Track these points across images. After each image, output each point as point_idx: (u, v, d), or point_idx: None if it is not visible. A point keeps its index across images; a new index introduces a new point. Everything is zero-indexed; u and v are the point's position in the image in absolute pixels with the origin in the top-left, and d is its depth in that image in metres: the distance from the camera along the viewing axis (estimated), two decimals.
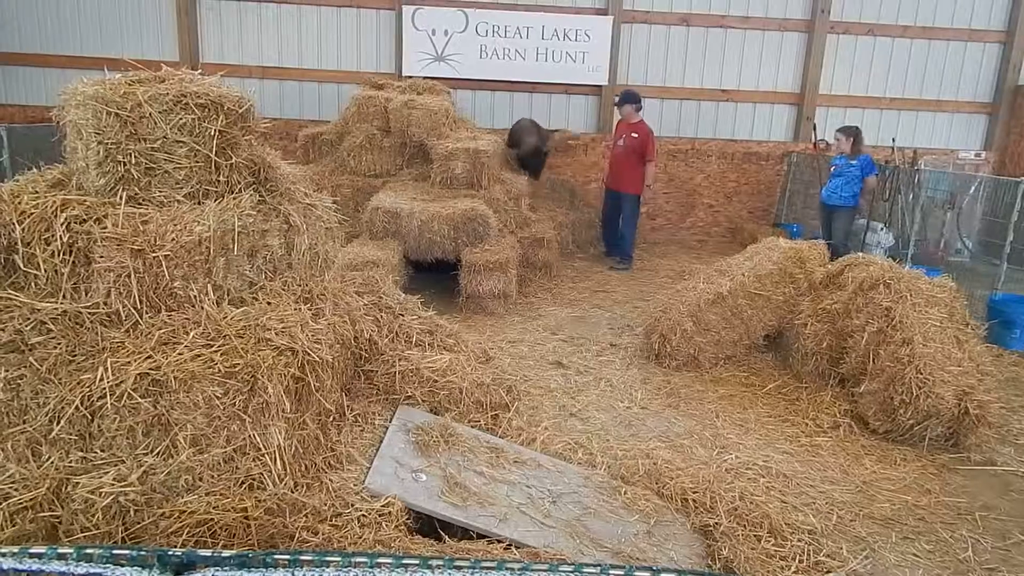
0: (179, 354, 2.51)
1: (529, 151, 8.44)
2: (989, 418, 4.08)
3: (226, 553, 1.41)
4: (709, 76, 10.32)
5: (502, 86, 10.16)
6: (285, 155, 3.67)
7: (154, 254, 2.63)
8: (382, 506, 2.66)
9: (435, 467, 3.04)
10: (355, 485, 2.78)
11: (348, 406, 3.33)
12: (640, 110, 8.22)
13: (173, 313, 2.70)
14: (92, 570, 1.31)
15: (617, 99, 8.42)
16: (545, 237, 7.48)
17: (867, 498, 3.59)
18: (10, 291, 2.58)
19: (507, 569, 1.48)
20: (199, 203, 2.85)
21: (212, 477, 2.47)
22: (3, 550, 1.36)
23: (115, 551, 1.37)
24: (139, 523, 2.36)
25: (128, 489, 2.35)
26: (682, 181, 10.52)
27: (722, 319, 5.23)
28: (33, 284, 2.61)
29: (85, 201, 2.71)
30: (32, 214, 2.62)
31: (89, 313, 2.61)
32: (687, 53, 10.23)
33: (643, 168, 8.09)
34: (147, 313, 2.67)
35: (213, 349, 2.57)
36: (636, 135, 8.08)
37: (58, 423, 2.44)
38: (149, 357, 2.50)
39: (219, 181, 2.93)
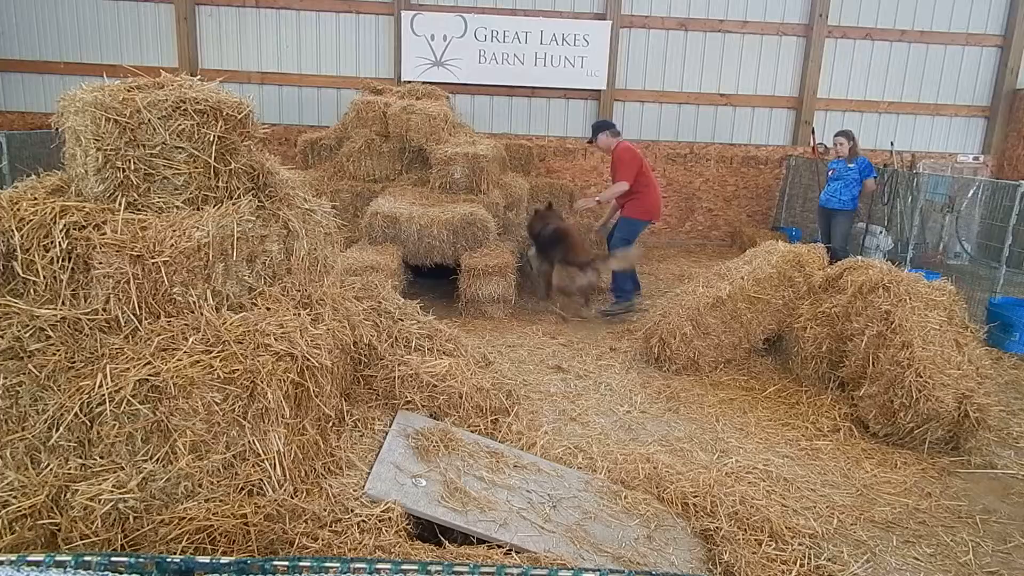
0: (178, 360, 2.51)
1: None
2: (989, 421, 4.08)
3: (225, 560, 1.41)
4: (708, 80, 10.35)
5: (501, 91, 10.19)
6: (284, 160, 3.68)
7: (153, 260, 2.63)
8: (382, 511, 2.66)
9: (435, 472, 3.04)
10: (355, 490, 2.77)
11: (347, 411, 3.32)
12: (617, 134, 6.95)
13: (172, 319, 2.70)
14: None
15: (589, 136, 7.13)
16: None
17: (868, 501, 3.58)
18: (9, 298, 2.58)
19: (506, 574, 1.47)
20: (198, 209, 2.85)
21: (211, 483, 2.46)
22: (1, 557, 1.35)
23: (113, 558, 1.36)
24: (138, 530, 2.35)
25: (127, 496, 2.35)
26: (681, 185, 10.54)
27: (721, 323, 5.23)
28: (32, 291, 2.61)
29: (84, 207, 2.71)
30: (31, 220, 2.62)
31: (88, 319, 2.61)
32: (685, 57, 10.26)
33: (633, 194, 6.66)
34: (146, 319, 2.67)
35: (212, 355, 2.57)
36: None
37: (57, 430, 2.44)
38: (148, 363, 2.50)
39: (218, 187, 2.93)
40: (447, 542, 2.67)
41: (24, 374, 2.49)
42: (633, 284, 7.36)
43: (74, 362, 2.56)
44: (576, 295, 6.55)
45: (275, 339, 2.74)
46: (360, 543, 2.49)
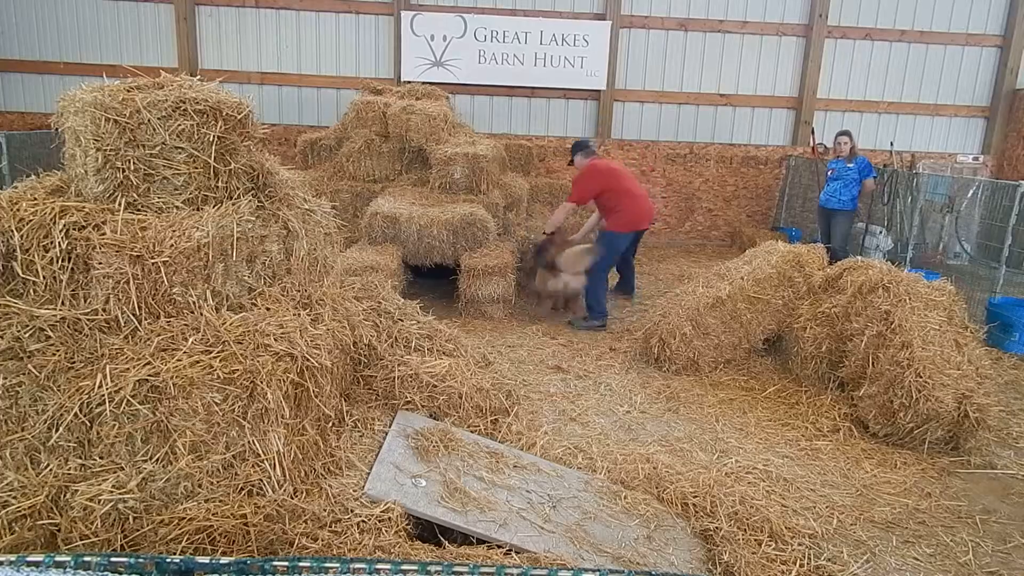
0: (178, 360, 2.51)
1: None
2: (989, 421, 4.07)
3: (224, 560, 1.41)
4: (707, 80, 10.35)
5: (501, 91, 10.19)
6: (284, 161, 3.68)
7: (153, 260, 2.63)
8: (382, 512, 2.66)
9: (435, 472, 3.04)
10: (355, 491, 2.77)
11: (347, 411, 3.32)
12: (591, 154, 6.63)
13: (172, 319, 2.70)
14: None
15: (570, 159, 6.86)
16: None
17: (867, 502, 3.58)
18: (8, 298, 2.58)
19: (506, 574, 1.47)
20: (198, 209, 2.85)
21: (211, 483, 2.46)
22: (1, 558, 1.35)
23: (113, 558, 1.36)
24: (138, 530, 2.35)
25: (127, 496, 2.35)
26: (680, 185, 10.54)
27: (721, 323, 5.23)
28: (32, 291, 2.61)
29: (84, 207, 2.71)
30: (31, 221, 2.62)
31: (88, 320, 2.61)
32: (685, 58, 10.27)
33: (613, 210, 6.36)
34: (146, 319, 2.67)
35: (212, 355, 2.57)
36: None
37: (57, 430, 2.44)
38: (148, 363, 2.50)
39: (218, 187, 2.93)
40: (447, 542, 2.67)
41: (24, 374, 2.49)
42: (627, 287, 7.35)
43: (74, 362, 2.56)
44: (553, 295, 6.46)
45: (275, 339, 2.74)
46: (360, 543, 2.49)
